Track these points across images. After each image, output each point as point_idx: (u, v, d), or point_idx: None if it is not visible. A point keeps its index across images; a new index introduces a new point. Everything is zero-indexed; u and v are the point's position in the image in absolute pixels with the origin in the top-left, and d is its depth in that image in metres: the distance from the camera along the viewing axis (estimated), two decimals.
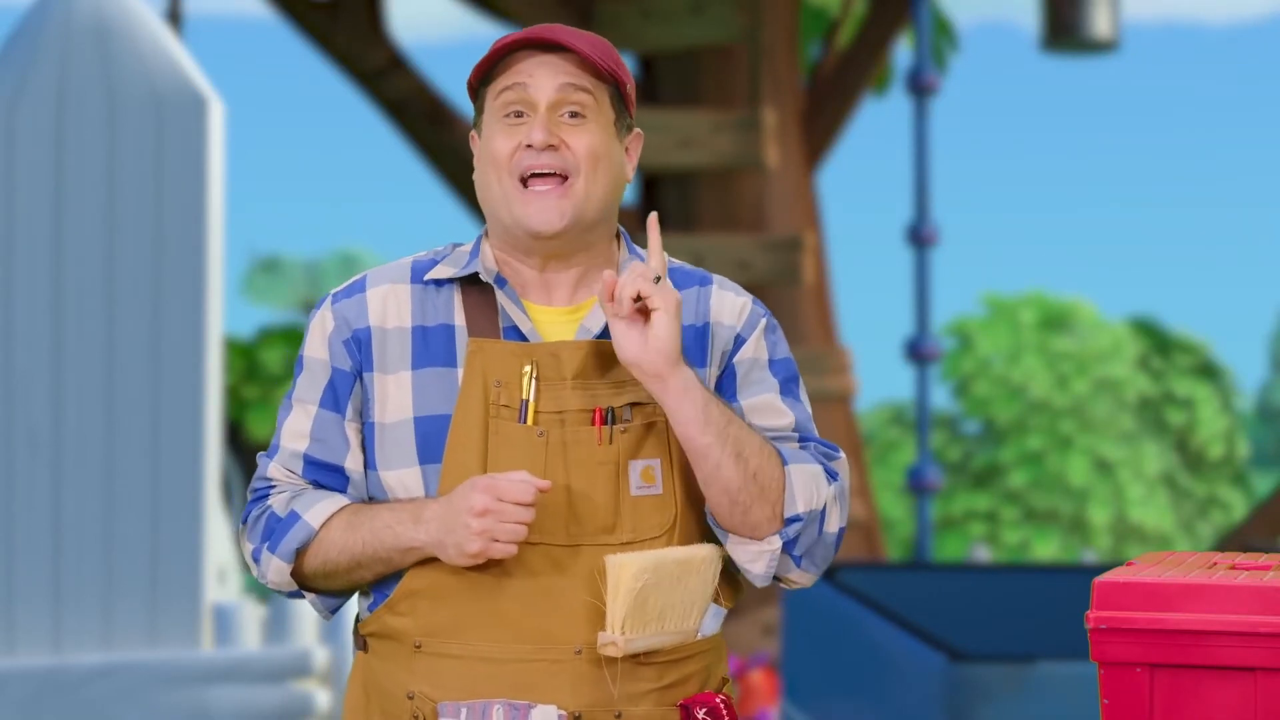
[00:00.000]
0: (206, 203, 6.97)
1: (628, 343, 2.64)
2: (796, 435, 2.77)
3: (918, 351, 12.12)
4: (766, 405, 2.77)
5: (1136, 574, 2.57)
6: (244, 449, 21.37)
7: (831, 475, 2.74)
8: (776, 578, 2.75)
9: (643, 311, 2.64)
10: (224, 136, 7.14)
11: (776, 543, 2.70)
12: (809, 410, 2.83)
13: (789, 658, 6.91)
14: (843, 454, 2.79)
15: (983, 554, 18.24)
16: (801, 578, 2.75)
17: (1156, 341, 32.88)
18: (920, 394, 12.15)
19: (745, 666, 9.72)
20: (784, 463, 2.70)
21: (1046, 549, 30.66)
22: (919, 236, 12.18)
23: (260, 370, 23.21)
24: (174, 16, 13.65)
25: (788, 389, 2.80)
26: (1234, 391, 33.39)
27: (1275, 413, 38.68)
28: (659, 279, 2.65)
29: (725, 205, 12.05)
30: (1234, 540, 14.32)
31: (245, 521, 2.81)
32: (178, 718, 6.84)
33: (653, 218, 2.69)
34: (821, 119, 13.10)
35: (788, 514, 2.69)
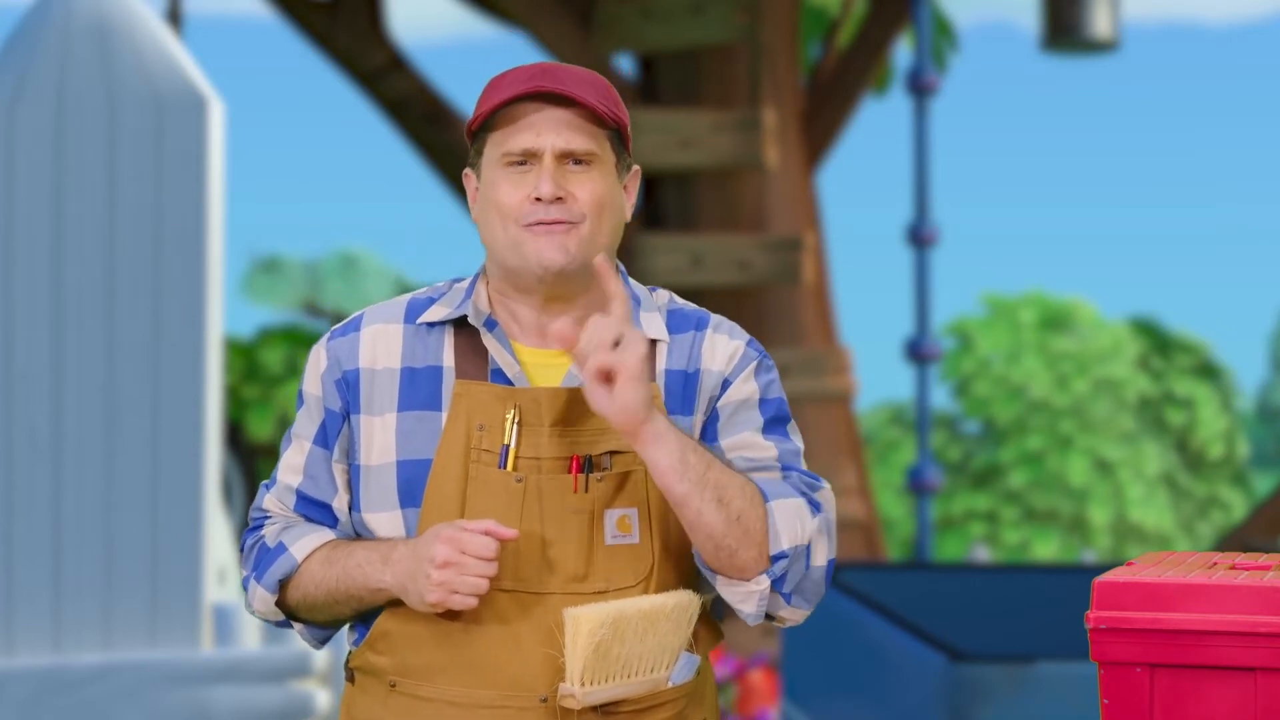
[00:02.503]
0: (206, 203, 6.97)
1: (596, 400, 2.62)
2: (779, 465, 2.75)
3: (918, 351, 12.13)
4: (747, 442, 2.75)
5: (1136, 574, 2.57)
6: (244, 449, 21.36)
7: (815, 507, 2.71)
8: (770, 616, 2.73)
9: (606, 374, 2.62)
10: (224, 136, 7.14)
11: (765, 582, 2.67)
12: (798, 446, 2.79)
13: (789, 658, 6.91)
14: (827, 485, 2.77)
15: (983, 554, 18.24)
16: (793, 614, 2.72)
17: (1156, 341, 32.89)
18: (920, 394, 12.15)
19: (745, 666, 9.72)
20: (766, 500, 2.67)
21: (1046, 549, 30.66)
22: (919, 236, 12.18)
23: (260, 370, 23.21)
24: (174, 16, 13.65)
25: (772, 427, 2.77)
26: (1234, 391, 33.40)
27: (1275, 413, 38.68)
28: (619, 340, 2.61)
29: (725, 205, 12.06)
30: (1234, 540, 14.35)
31: (242, 550, 2.86)
32: (178, 718, 6.84)
33: (599, 260, 2.65)
34: (821, 119, 13.10)
35: (773, 551, 2.66)
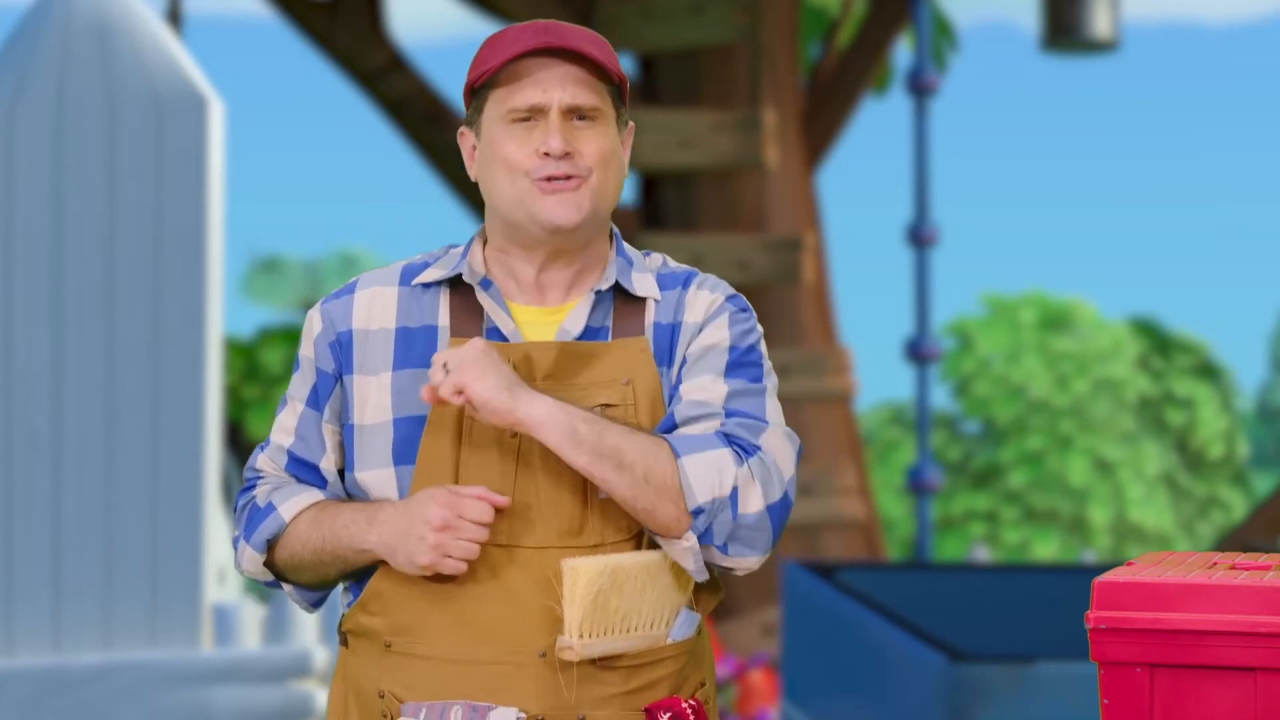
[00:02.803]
0: (206, 203, 6.97)
1: (474, 415, 2.67)
2: (722, 411, 2.73)
3: (918, 351, 12.12)
4: (700, 385, 2.74)
5: (1136, 574, 2.57)
6: (244, 449, 21.36)
7: (745, 451, 2.70)
8: (720, 565, 2.73)
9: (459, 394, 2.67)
10: (224, 136, 7.14)
11: (692, 539, 2.68)
12: (764, 386, 2.77)
13: (789, 658, 6.91)
14: (773, 424, 2.74)
15: (983, 554, 18.22)
16: (738, 562, 2.71)
17: (1156, 341, 32.88)
18: (920, 394, 12.15)
19: (745, 666, 9.72)
20: (677, 456, 2.67)
21: (1046, 549, 30.65)
22: (919, 236, 12.18)
23: (260, 370, 23.21)
24: (174, 16, 13.65)
25: (735, 370, 2.76)
26: (1234, 391, 33.39)
27: (1275, 413, 38.68)
28: (445, 364, 2.67)
29: (725, 205, 12.05)
30: (1234, 540, 14.33)
31: (236, 510, 2.87)
32: (178, 718, 6.84)
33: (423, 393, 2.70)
34: (821, 119, 13.09)
35: (690, 507, 2.66)
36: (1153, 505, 31.58)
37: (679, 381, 2.76)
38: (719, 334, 2.77)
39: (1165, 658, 2.51)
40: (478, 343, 2.67)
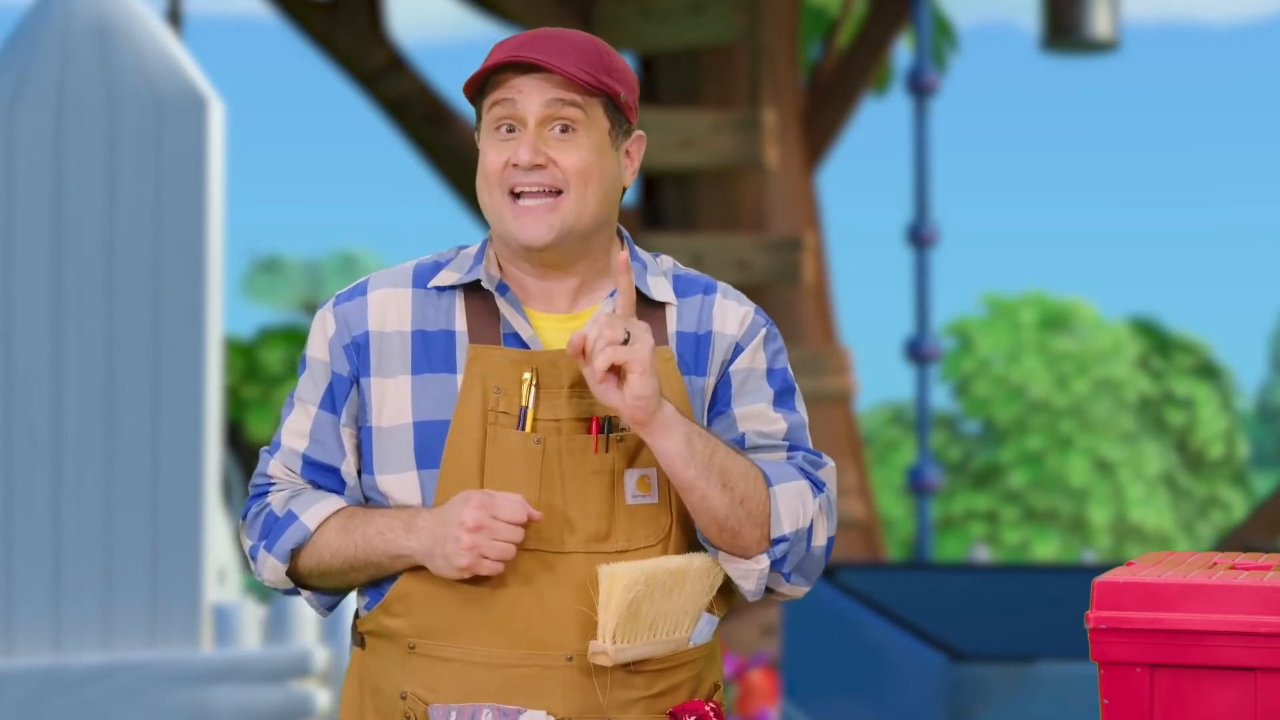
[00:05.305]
0: (206, 203, 6.97)
1: (605, 394, 2.63)
2: (786, 444, 2.79)
3: (918, 351, 12.12)
4: (759, 414, 2.78)
5: (1136, 574, 2.57)
6: (244, 449, 21.37)
7: (818, 486, 2.76)
8: (769, 589, 2.76)
9: (617, 371, 2.63)
10: (224, 136, 7.13)
11: (765, 561, 2.71)
12: (804, 418, 2.84)
13: (789, 658, 6.91)
14: (830, 462, 2.81)
15: (983, 554, 18.23)
16: (792, 590, 2.77)
17: (1156, 341, 32.89)
18: (920, 394, 12.15)
19: (745, 666, 9.72)
20: (769, 484, 2.70)
21: (1046, 549, 30.67)
22: (919, 236, 12.18)
23: (260, 370, 23.22)
24: (174, 16, 13.65)
25: (781, 399, 2.81)
26: (1234, 391, 33.40)
27: (1275, 413, 38.68)
28: (628, 337, 2.62)
29: (725, 205, 12.05)
30: (1234, 540, 14.34)
31: (245, 517, 2.83)
32: (178, 718, 6.83)
33: (622, 259, 2.66)
34: (821, 119, 13.10)
35: (774, 535, 2.70)
36: (1153, 505, 31.58)
37: (726, 403, 2.78)
38: (758, 355, 2.81)
39: (1165, 658, 2.51)
40: (650, 333, 2.63)
